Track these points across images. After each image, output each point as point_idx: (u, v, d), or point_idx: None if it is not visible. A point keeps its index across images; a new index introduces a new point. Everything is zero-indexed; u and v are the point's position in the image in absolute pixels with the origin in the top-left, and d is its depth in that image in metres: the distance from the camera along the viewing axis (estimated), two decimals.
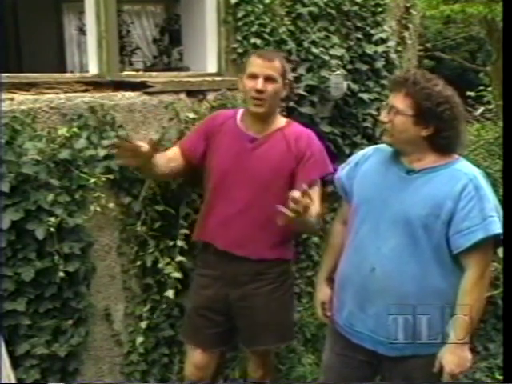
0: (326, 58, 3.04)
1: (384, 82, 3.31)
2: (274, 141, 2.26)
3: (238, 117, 2.34)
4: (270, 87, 2.19)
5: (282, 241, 2.30)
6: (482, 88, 7.19)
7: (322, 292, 2.22)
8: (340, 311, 2.08)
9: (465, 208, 1.86)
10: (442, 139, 1.91)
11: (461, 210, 1.86)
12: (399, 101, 1.90)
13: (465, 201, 1.87)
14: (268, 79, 2.18)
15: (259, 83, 2.18)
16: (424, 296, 1.90)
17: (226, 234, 2.28)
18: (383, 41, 3.33)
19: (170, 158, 2.32)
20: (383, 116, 1.95)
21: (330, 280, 2.20)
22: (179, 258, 2.55)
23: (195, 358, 2.44)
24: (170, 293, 2.53)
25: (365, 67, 3.27)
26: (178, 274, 2.52)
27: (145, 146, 2.05)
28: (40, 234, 2.18)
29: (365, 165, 2.10)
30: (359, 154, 2.19)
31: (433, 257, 1.89)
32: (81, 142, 2.32)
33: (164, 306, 2.61)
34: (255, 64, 2.21)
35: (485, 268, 1.89)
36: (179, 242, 2.54)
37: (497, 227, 1.85)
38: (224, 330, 2.41)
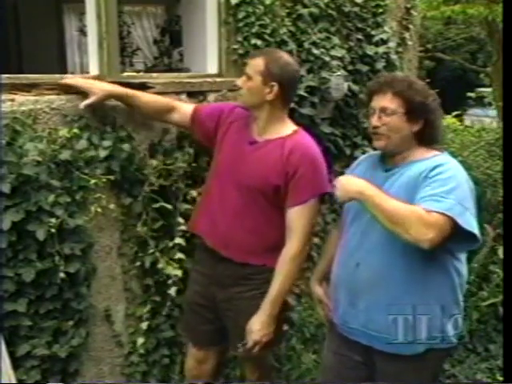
0: (327, 58, 3.05)
1: None
2: (271, 148, 2.21)
3: (251, 118, 2.30)
4: (245, 84, 2.21)
5: (270, 248, 2.23)
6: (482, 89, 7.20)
7: (316, 292, 2.26)
8: (335, 311, 2.11)
9: (422, 185, 1.86)
10: (430, 131, 1.96)
11: (420, 187, 1.86)
12: (388, 101, 1.93)
13: (422, 179, 1.87)
14: (247, 77, 2.20)
15: (239, 79, 2.24)
16: (410, 287, 1.90)
17: (215, 232, 2.28)
18: (384, 42, 3.33)
19: (176, 110, 2.42)
20: (374, 121, 1.96)
21: (326, 281, 2.23)
22: (179, 256, 2.55)
23: (194, 352, 2.48)
24: (172, 290, 2.53)
25: (365, 68, 3.27)
26: (177, 272, 2.53)
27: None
28: (41, 234, 2.18)
29: (355, 171, 2.13)
30: (354, 163, 2.23)
31: (415, 246, 1.87)
32: (81, 143, 2.32)
33: (168, 303, 2.61)
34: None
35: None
36: (177, 239, 2.55)
37: (444, 207, 1.77)
38: (216, 329, 2.40)
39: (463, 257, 1.99)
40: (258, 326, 2.19)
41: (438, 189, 1.83)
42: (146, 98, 2.41)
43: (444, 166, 1.90)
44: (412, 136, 1.95)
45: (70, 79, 2.39)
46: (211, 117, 2.38)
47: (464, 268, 1.99)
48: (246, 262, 2.25)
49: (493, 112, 8.36)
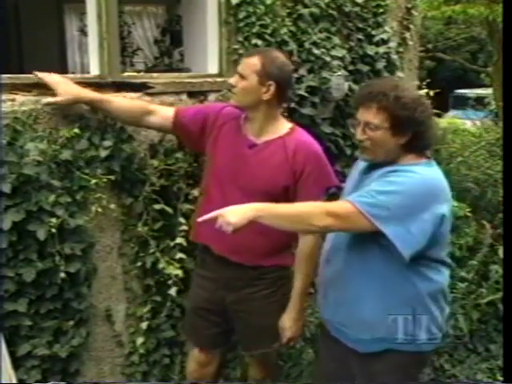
0: (327, 58, 3.05)
1: None
2: (273, 149, 2.19)
3: (242, 118, 2.28)
4: (239, 83, 2.17)
5: (280, 248, 2.26)
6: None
7: None
8: (319, 303, 2.16)
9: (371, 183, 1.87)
10: (420, 141, 1.90)
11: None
12: (372, 116, 1.86)
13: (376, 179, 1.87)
14: (241, 76, 2.17)
15: (232, 78, 2.21)
16: (368, 288, 1.91)
17: (222, 240, 2.21)
18: (384, 42, 3.34)
19: (153, 113, 2.34)
20: (359, 134, 1.91)
21: None
22: (179, 255, 2.55)
23: (197, 355, 2.46)
24: (172, 291, 2.53)
25: (366, 68, 3.27)
26: (178, 272, 2.53)
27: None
28: (41, 234, 2.18)
29: (352, 173, 2.14)
30: (356, 163, 2.22)
31: (373, 242, 1.87)
32: (82, 143, 2.32)
33: (169, 303, 2.61)
34: None
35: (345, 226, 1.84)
36: (179, 239, 2.55)
37: (363, 203, 1.78)
38: (222, 331, 2.40)
39: (440, 263, 1.95)
40: (289, 323, 2.24)
41: (374, 187, 1.82)
42: (117, 102, 2.32)
43: (404, 172, 1.85)
44: (399, 147, 1.89)
45: (41, 73, 2.30)
46: (194, 120, 2.33)
47: (439, 276, 1.95)
48: (258, 264, 2.25)
49: (465, 113, 8.35)
